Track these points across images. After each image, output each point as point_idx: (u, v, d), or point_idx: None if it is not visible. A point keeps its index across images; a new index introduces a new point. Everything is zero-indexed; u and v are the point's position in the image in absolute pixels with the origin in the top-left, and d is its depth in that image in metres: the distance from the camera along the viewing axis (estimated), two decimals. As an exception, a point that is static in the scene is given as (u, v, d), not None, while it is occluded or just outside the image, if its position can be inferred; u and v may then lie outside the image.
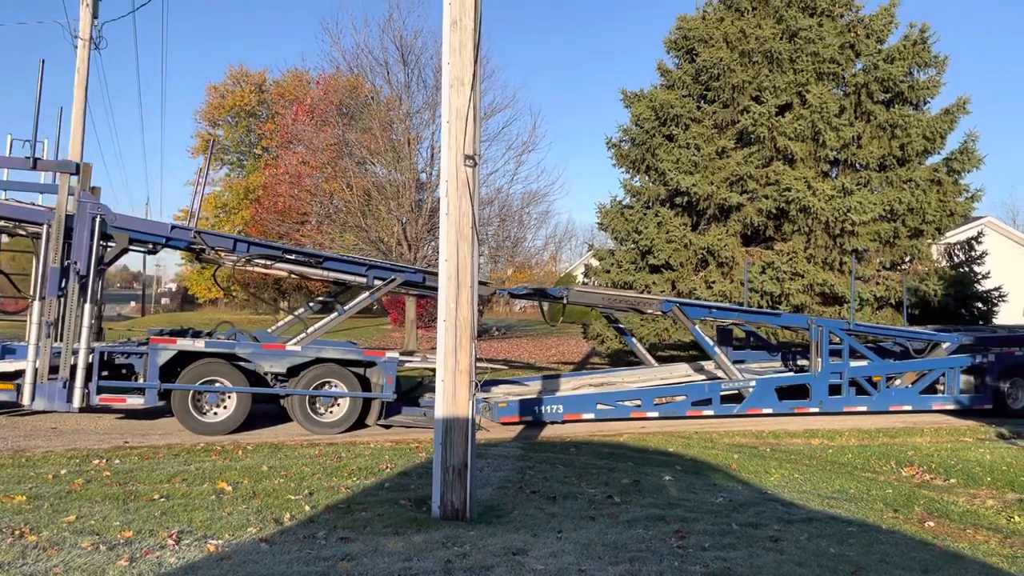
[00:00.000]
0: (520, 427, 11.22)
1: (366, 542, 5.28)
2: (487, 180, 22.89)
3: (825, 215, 17.06)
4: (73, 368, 9.59)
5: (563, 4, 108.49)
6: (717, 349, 12.62)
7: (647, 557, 5.10)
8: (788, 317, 14.09)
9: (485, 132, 22.28)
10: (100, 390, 9.83)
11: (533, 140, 32.31)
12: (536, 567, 4.81)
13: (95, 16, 17.00)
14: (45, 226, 9.81)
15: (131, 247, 10.67)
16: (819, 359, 12.57)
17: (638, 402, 11.97)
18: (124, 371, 10.47)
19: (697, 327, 12.52)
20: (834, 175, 18.74)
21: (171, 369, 10.10)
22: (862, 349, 13.11)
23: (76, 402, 9.62)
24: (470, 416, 6.02)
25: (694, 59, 19.00)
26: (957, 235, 20.90)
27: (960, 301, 18.06)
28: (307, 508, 6.22)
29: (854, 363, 12.88)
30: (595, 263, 20.39)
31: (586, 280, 22.26)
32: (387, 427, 10.84)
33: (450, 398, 6.01)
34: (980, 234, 20.25)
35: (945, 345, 13.48)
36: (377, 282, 11.34)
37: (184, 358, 10.15)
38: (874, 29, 18.42)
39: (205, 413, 10.20)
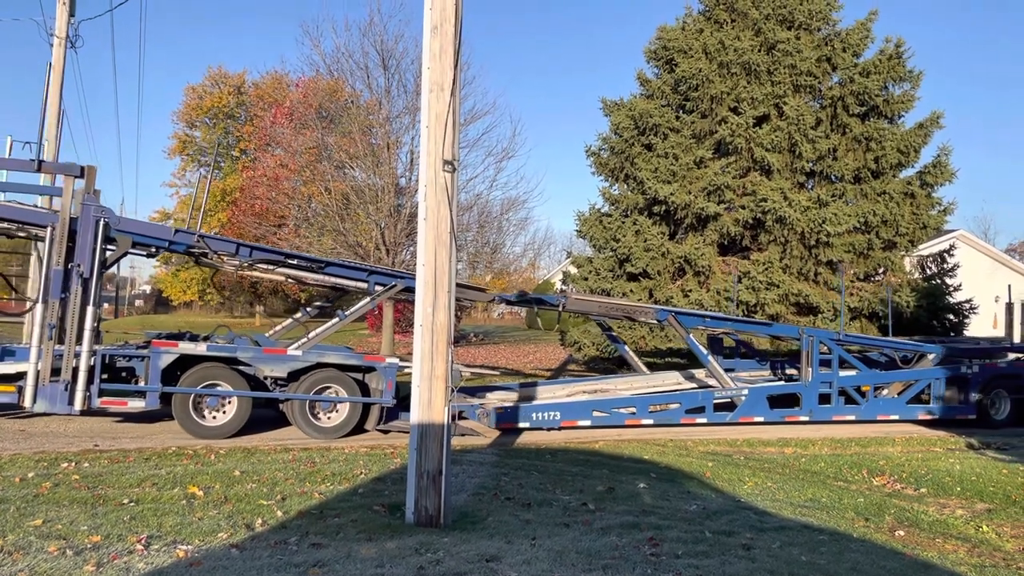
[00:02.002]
0: (510, 434, 11.20)
1: (338, 548, 5.24)
2: (466, 186, 22.87)
3: (801, 226, 17.24)
4: (75, 370, 9.55)
5: (544, 12, 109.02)
6: (710, 358, 12.73)
7: (620, 564, 5.10)
8: (779, 327, 14.28)
9: (465, 138, 22.28)
10: (101, 393, 9.78)
11: (513, 147, 32.43)
12: (510, 574, 4.79)
13: (72, 14, 16.83)
14: (49, 228, 9.79)
15: (132, 250, 10.69)
16: (809, 368, 12.69)
17: (633, 409, 12.06)
18: (124, 374, 10.47)
19: (691, 336, 12.65)
20: (810, 186, 18.95)
21: (171, 372, 10.09)
22: (851, 359, 13.26)
23: (78, 404, 9.54)
24: (445, 422, 5.99)
25: (673, 69, 19.13)
26: (930, 248, 21.22)
27: (932, 313, 18.31)
28: (279, 513, 6.16)
29: (843, 373, 13.03)
30: (573, 270, 20.45)
31: (564, 287, 22.30)
32: (385, 432, 10.84)
33: (426, 404, 5.99)
34: (952, 247, 20.56)
35: (931, 356, 13.70)
36: (378, 288, 11.31)
37: (185, 361, 10.15)
38: (851, 43, 18.67)
39: (205, 417, 10.20)
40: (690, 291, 17.79)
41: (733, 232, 18.06)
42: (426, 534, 5.66)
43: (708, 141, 18.66)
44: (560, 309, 12.94)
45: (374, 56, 22.37)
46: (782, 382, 13.54)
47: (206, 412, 10.22)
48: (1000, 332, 28.63)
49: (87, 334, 9.58)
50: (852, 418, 13.03)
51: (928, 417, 13.44)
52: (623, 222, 18.92)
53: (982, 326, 23.31)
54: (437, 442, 5.96)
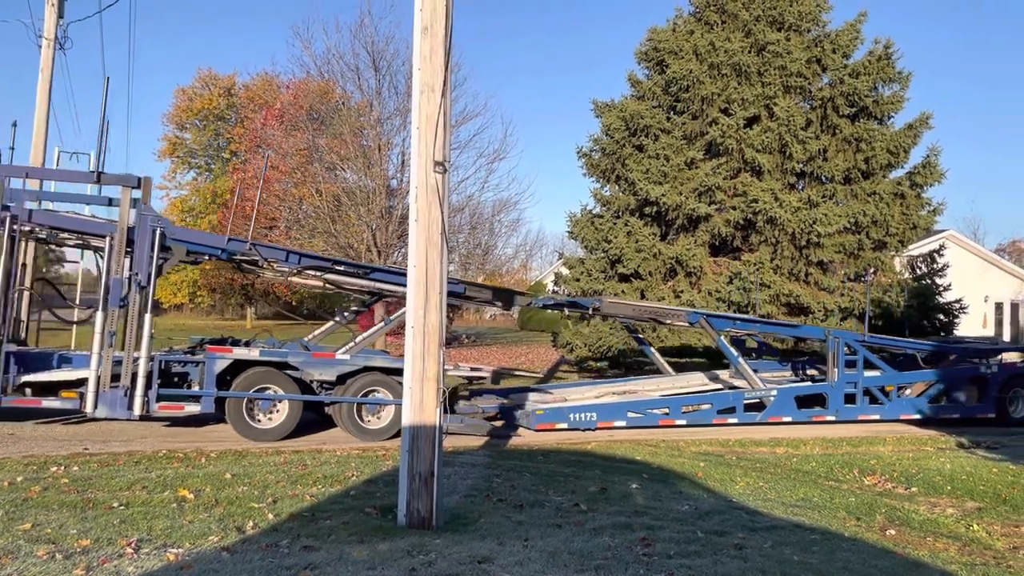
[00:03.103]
0: (502, 435, 11.20)
1: (330, 551, 5.22)
2: (458, 187, 22.91)
3: (791, 226, 17.29)
4: (134, 376, 9.68)
5: (536, 14, 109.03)
6: (741, 359, 12.85)
7: (613, 565, 5.10)
8: (806, 329, 14.46)
9: (456, 139, 22.28)
10: (159, 398, 9.94)
11: (504, 148, 32.39)
12: (502, 575, 4.79)
13: (60, 16, 16.72)
14: (108, 238, 9.96)
15: (182, 258, 10.88)
16: (835, 369, 12.80)
17: (666, 410, 12.21)
18: (176, 379, 10.69)
19: (722, 338, 12.79)
20: (800, 187, 19.02)
21: (222, 377, 10.27)
22: (875, 360, 13.32)
23: (137, 410, 9.68)
24: (437, 423, 5.98)
25: (664, 71, 19.16)
26: (919, 248, 21.31)
27: (922, 313, 18.39)
28: (270, 516, 6.14)
29: (867, 373, 13.13)
30: (565, 271, 20.45)
31: (556, 289, 22.34)
32: None
33: (417, 405, 5.97)
34: (942, 247, 20.66)
35: (951, 357, 13.85)
36: None
37: (236, 366, 10.35)
38: (840, 44, 18.74)
39: (258, 420, 10.40)
40: (682, 292, 17.82)
41: (724, 233, 18.10)
42: (418, 536, 5.65)
43: (699, 142, 18.69)
44: (591, 313, 13.10)
45: (365, 57, 22.41)
46: (807, 382, 13.64)
47: (259, 415, 10.42)
48: (990, 331, 28.83)
49: (146, 340, 9.75)
50: (876, 417, 13.17)
51: (949, 416, 13.57)
52: (615, 223, 18.93)
53: (972, 326, 23.41)
54: (429, 444, 5.95)
